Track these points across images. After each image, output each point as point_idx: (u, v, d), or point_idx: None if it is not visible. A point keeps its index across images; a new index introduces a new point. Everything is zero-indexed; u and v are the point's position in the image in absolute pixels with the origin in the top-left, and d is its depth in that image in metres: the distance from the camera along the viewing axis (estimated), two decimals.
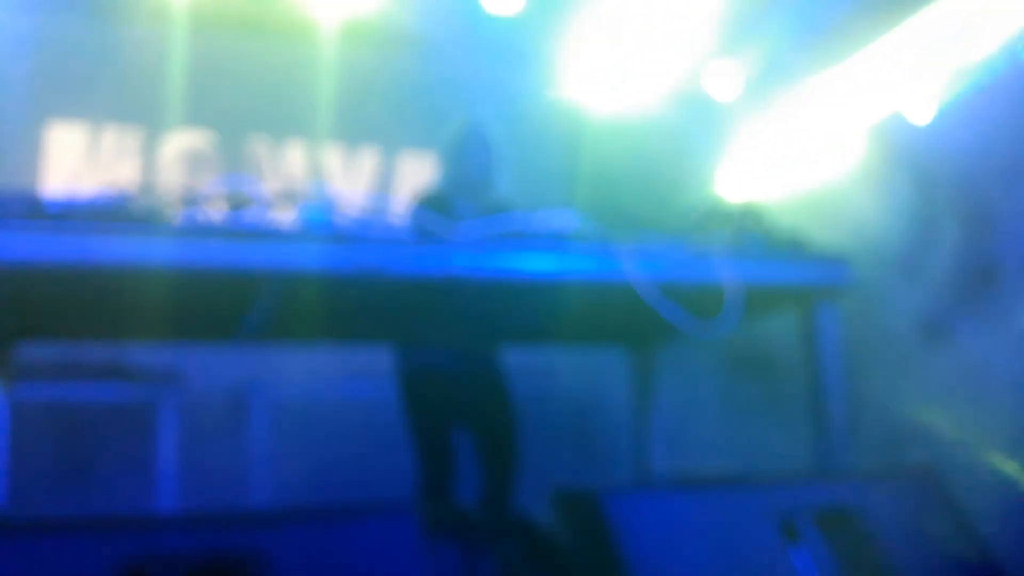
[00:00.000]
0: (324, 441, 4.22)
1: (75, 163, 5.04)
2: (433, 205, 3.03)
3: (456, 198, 3.24)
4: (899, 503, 2.18)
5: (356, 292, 2.28)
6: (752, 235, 2.45)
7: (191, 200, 2.02)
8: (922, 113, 4.71)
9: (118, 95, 5.06)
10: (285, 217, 2.03)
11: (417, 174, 5.55)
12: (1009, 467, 2.98)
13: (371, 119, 5.44)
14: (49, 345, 3.55)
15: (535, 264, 2.16)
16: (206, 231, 1.93)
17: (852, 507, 2.11)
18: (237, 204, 2.03)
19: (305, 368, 4.32)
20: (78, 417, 3.82)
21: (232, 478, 4.09)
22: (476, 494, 3.25)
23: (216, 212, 2.03)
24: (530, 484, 3.19)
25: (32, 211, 1.83)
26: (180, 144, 5.25)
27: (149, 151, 5.17)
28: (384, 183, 5.55)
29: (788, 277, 2.41)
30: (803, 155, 5.24)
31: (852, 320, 2.79)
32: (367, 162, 5.58)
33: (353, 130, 5.44)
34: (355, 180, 5.48)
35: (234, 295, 2.20)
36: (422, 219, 2.14)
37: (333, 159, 5.49)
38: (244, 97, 5.26)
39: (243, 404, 4.32)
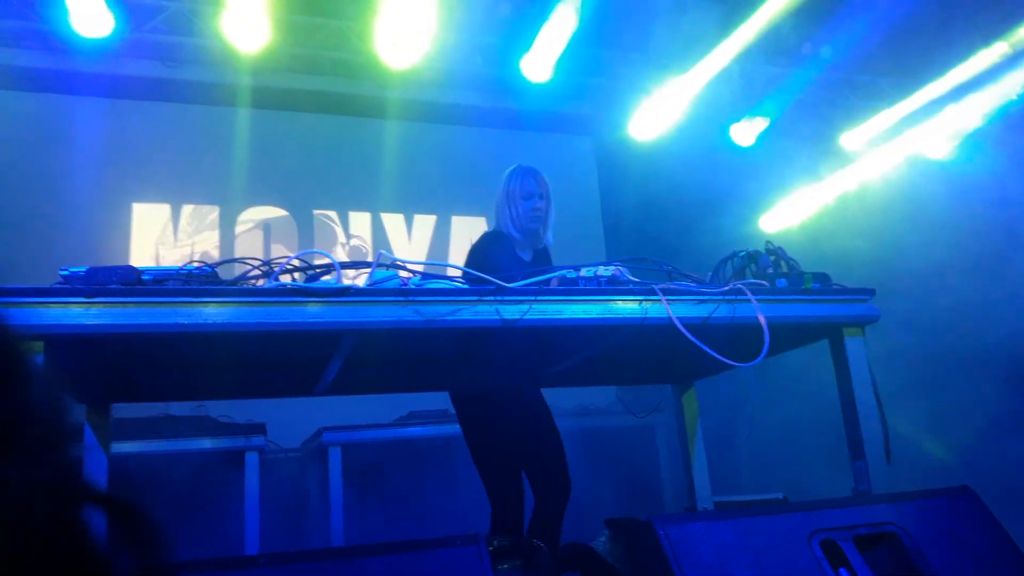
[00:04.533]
0: (395, 480, 4.26)
1: (158, 239, 5.22)
2: (502, 245, 3.02)
3: (516, 244, 3.14)
4: (939, 522, 2.10)
5: (420, 345, 2.33)
6: (780, 273, 2.46)
7: (270, 270, 2.04)
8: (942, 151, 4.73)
9: (194, 175, 5.26)
10: (356, 283, 2.05)
11: (468, 237, 5.70)
12: None
13: (426, 190, 5.58)
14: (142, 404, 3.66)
15: (581, 311, 2.16)
16: (290, 291, 1.94)
17: (892, 527, 2.05)
18: (313, 272, 2.06)
19: (373, 414, 4.38)
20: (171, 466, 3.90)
21: (313, 516, 4.14)
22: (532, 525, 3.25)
23: (293, 281, 2.05)
24: (583, 514, 3.18)
25: (131, 283, 1.87)
26: (254, 219, 5.43)
27: (226, 227, 5.34)
28: (440, 246, 5.70)
29: (816, 313, 2.39)
30: (826, 194, 5.24)
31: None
32: (424, 229, 5.73)
33: (410, 201, 5.59)
34: (414, 245, 5.65)
35: (313, 353, 2.24)
36: (476, 275, 2.17)
37: (394, 227, 5.64)
38: (312, 174, 5.45)
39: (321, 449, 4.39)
